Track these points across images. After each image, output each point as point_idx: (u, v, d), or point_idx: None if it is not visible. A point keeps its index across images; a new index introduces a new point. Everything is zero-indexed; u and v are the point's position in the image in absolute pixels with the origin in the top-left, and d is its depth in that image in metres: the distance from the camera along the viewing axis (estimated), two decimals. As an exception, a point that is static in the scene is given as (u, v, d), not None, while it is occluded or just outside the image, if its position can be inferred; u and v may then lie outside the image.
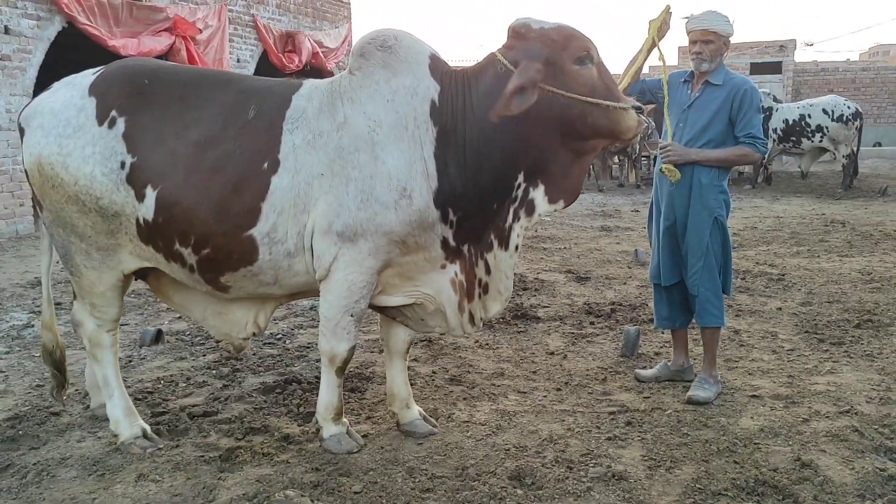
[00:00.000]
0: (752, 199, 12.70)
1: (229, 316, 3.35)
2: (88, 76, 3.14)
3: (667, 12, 3.78)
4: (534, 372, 4.31)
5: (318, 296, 3.17)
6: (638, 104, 3.15)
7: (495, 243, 3.19)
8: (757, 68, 21.47)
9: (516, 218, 3.16)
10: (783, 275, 6.63)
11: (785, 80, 21.16)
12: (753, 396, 3.85)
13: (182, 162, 2.97)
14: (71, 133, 3.01)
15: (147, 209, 2.99)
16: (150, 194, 2.98)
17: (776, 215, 10.56)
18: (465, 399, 3.89)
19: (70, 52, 10.61)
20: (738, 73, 4.05)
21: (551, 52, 2.97)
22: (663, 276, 4.04)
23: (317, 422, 3.32)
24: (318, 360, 4.48)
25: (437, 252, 3.14)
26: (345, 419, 3.35)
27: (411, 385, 4.06)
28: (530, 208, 3.14)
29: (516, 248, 3.22)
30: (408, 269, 3.16)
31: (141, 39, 10.67)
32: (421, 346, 4.74)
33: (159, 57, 11.14)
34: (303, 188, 2.97)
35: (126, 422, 3.32)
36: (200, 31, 11.82)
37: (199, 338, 5.05)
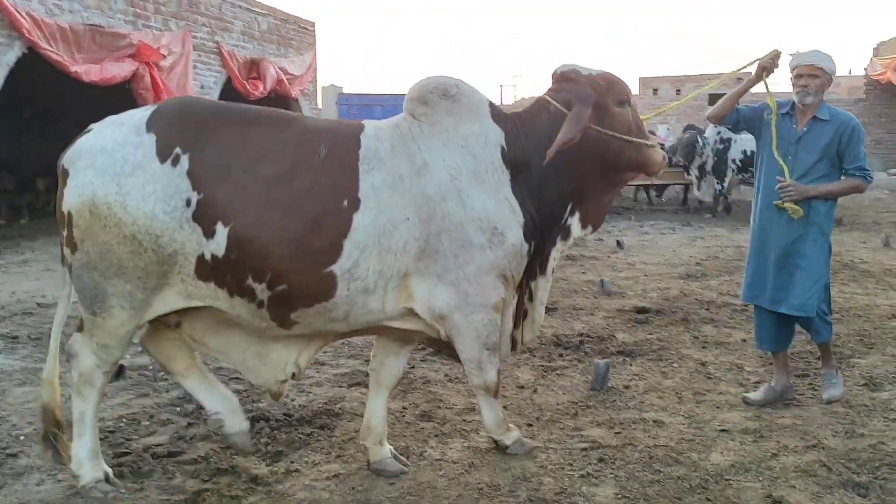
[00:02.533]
0: (712, 228, 12.91)
1: (270, 356, 3.32)
2: (138, 114, 3.07)
3: (775, 54, 4.08)
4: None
5: (371, 334, 3.46)
6: (662, 143, 3.45)
7: (538, 270, 3.47)
8: (715, 99, 21.94)
9: (554, 244, 3.48)
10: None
11: (742, 111, 21.65)
12: (723, 430, 3.88)
13: (255, 198, 2.95)
14: (129, 171, 2.92)
15: (217, 245, 2.94)
16: (221, 230, 2.93)
17: (737, 245, 10.73)
18: (436, 436, 3.86)
19: (30, 77, 10.45)
20: (840, 108, 4.34)
21: (599, 95, 3.32)
22: (772, 300, 4.22)
23: (494, 441, 3.59)
24: (286, 397, 4.41)
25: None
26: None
27: (381, 421, 4.02)
28: (566, 233, 3.48)
29: (552, 272, 3.53)
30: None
31: (104, 65, 10.53)
32: (390, 381, 4.69)
33: (122, 83, 11.02)
34: (387, 228, 3.05)
35: (90, 464, 3.21)
36: (164, 57, 11.71)
37: (161, 373, 4.93)
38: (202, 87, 13.27)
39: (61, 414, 3.31)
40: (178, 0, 12.54)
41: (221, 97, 13.86)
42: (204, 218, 2.92)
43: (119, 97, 11.89)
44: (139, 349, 5.44)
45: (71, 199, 2.97)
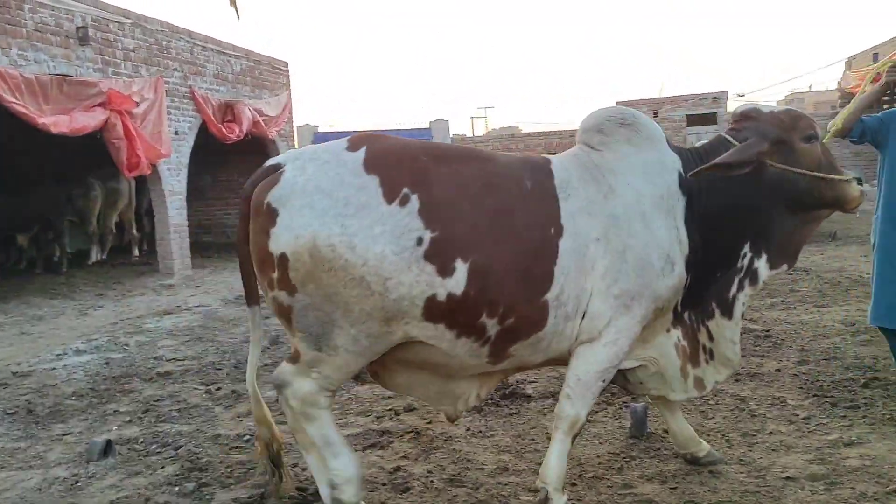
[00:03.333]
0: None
1: (454, 390, 3.33)
2: (345, 154, 2.98)
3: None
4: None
5: (545, 366, 3.41)
6: (858, 176, 3.44)
7: (717, 312, 3.42)
8: (693, 120, 21.98)
9: (741, 287, 3.41)
10: (768, 331, 6.40)
11: (721, 131, 21.63)
12: (788, 479, 3.50)
13: (486, 231, 2.95)
14: (353, 213, 2.83)
15: (456, 283, 2.88)
16: (461, 267, 2.87)
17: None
18: (472, 504, 3.44)
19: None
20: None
21: (782, 131, 3.33)
22: None
23: (545, 493, 3.18)
24: (296, 466, 3.96)
25: (669, 316, 3.37)
26: None
27: (405, 489, 3.62)
28: (754, 278, 3.42)
29: (742, 316, 3.47)
30: (647, 333, 3.33)
31: (73, 116, 10.09)
32: (409, 440, 4.28)
33: (93, 133, 10.59)
34: (582, 251, 3.08)
35: (354, 488, 3.05)
36: (137, 104, 11.31)
37: (154, 445, 4.47)
38: (177, 133, 12.87)
39: (280, 448, 3.34)
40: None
41: (197, 141, 13.48)
42: (439, 255, 2.86)
43: (91, 148, 11.47)
44: (127, 419, 4.98)
45: (285, 239, 2.85)
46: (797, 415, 4.36)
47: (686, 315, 3.41)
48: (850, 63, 22.10)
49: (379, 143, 3.07)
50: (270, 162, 3.08)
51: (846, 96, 21.86)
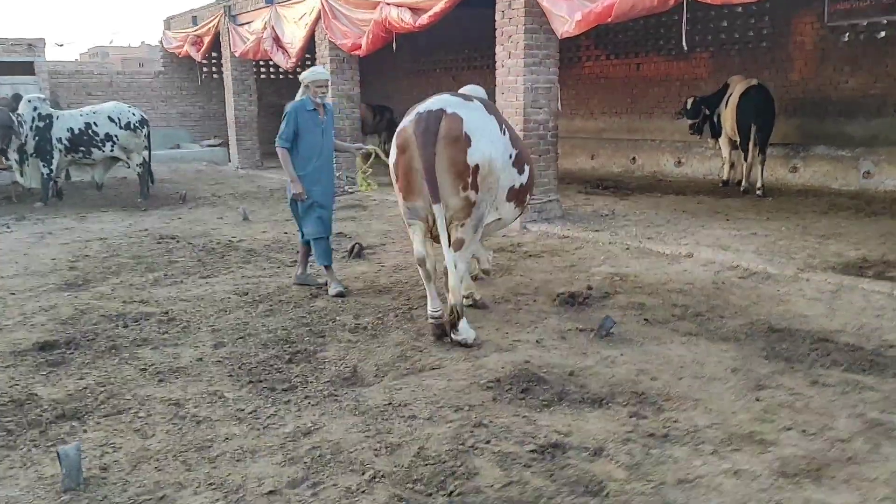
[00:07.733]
0: (53, 218, 11.14)
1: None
2: (469, 103, 5.10)
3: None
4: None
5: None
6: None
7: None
8: (6, 68, 19.24)
9: None
10: (167, 312, 5.90)
11: (41, 83, 19.48)
12: (271, 493, 3.14)
13: (525, 150, 5.65)
14: (495, 140, 5.03)
15: (525, 177, 5.43)
16: (526, 169, 5.44)
17: (100, 237, 9.43)
18: None
19: None
20: None
21: None
22: None
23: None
24: None
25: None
26: None
27: None
28: None
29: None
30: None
31: None
32: None
33: None
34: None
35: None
36: None
37: None
38: None
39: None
40: None
41: None
42: (517, 163, 5.30)
43: None
44: None
45: (478, 156, 4.88)
46: (243, 410, 4.04)
47: None
48: (168, 23, 22.41)
49: (480, 99, 5.31)
50: (425, 109, 4.96)
51: (168, 55, 22.24)
